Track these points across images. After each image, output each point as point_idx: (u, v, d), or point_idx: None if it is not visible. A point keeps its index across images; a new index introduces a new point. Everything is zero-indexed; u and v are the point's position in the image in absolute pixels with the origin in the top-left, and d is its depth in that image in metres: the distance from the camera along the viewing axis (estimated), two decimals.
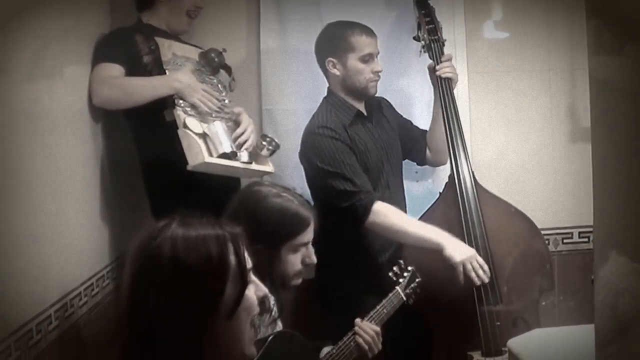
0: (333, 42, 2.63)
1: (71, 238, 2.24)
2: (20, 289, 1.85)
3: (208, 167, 2.41)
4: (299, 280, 2.00)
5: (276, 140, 2.58)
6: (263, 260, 1.85)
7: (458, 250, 2.39)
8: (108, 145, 2.62)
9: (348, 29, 2.63)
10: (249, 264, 1.24)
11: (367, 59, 2.61)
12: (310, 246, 2.00)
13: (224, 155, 2.44)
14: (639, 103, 1.10)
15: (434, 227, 2.45)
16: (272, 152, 2.58)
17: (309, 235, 1.98)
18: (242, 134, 2.53)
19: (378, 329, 2.10)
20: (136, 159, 2.62)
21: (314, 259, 2.00)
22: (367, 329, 2.08)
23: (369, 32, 2.63)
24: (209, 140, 2.44)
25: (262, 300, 1.26)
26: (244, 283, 1.21)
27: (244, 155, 2.49)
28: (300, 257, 1.96)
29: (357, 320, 2.09)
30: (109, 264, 2.56)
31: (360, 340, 2.05)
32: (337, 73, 2.62)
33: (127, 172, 2.66)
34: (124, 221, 2.66)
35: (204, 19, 2.88)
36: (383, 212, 2.47)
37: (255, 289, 1.25)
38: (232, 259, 1.20)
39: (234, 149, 2.47)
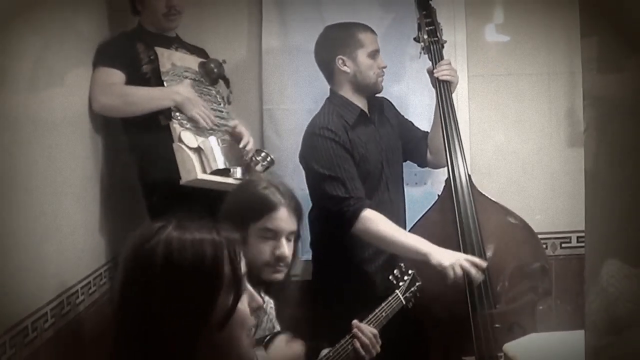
0: (341, 40, 2.64)
1: (70, 237, 2.25)
2: (17, 286, 1.86)
3: (201, 183, 2.43)
4: (277, 276, 1.93)
5: (271, 156, 2.59)
6: None
7: (445, 256, 2.38)
8: (107, 145, 2.63)
9: (353, 27, 2.66)
10: (243, 270, 1.20)
11: (374, 54, 2.64)
12: (283, 239, 1.93)
13: (217, 172, 2.45)
14: (630, 111, 1.11)
15: (420, 237, 2.43)
16: (266, 169, 2.59)
17: (276, 222, 1.91)
18: (247, 143, 2.55)
19: (376, 331, 2.08)
20: (134, 161, 2.63)
21: (285, 251, 1.92)
22: (366, 331, 2.06)
23: (372, 30, 2.67)
24: (203, 156, 2.45)
25: (257, 312, 1.22)
26: (238, 293, 1.17)
27: (237, 172, 2.50)
28: (270, 248, 1.91)
29: (355, 322, 2.08)
30: (107, 263, 2.57)
31: (358, 344, 2.03)
32: (348, 70, 2.63)
33: (125, 171, 2.67)
34: (123, 220, 2.66)
35: (205, 20, 2.89)
36: (371, 220, 2.46)
37: (250, 299, 1.20)
38: (227, 267, 1.16)
39: (228, 166, 2.49)
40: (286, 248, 1.92)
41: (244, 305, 1.19)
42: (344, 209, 2.47)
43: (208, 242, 1.17)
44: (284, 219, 1.93)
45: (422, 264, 2.38)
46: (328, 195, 2.49)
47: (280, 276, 1.93)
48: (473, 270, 2.36)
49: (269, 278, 1.90)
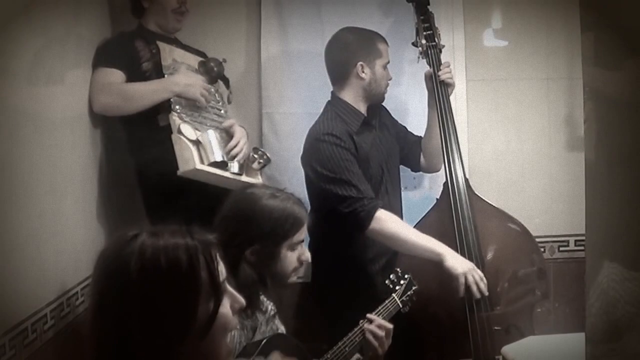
0: (363, 46, 2.63)
1: (69, 238, 2.24)
2: (16, 288, 1.85)
3: (198, 174, 2.43)
4: (295, 278, 2.04)
5: (267, 155, 2.60)
6: (263, 259, 1.92)
7: (459, 262, 2.39)
8: (107, 146, 2.63)
9: (374, 36, 2.66)
10: (223, 275, 1.17)
11: (386, 66, 2.65)
12: (303, 244, 2.03)
13: (215, 164, 2.45)
14: (630, 113, 1.12)
15: (434, 238, 2.44)
16: (263, 166, 2.59)
17: (304, 233, 2.02)
18: (235, 146, 2.53)
19: (390, 326, 2.10)
20: (133, 161, 2.63)
21: (309, 256, 2.03)
22: (379, 321, 2.09)
23: (387, 41, 2.68)
24: (201, 148, 2.45)
25: (240, 312, 1.19)
26: (217, 299, 1.13)
27: (234, 166, 2.50)
28: (297, 255, 2.00)
29: (370, 315, 2.09)
30: None
31: (370, 335, 2.06)
32: (365, 77, 2.62)
33: (125, 172, 2.67)
34: (122, 221, 2.66)
35: (205, 22, 2.90)
36: (385, 220, 2.47)
37: (232, 300, 1.17)
38: (204, 271, 1.13)
39: (225, 159, 2.49)
40: (308, 252, 2.04)
41: (225, 308, 1.16)
42: (357, 209, 2.46)
43: (182, 247, 1.13)
44: (306, 229, 2.03)
45: (418, 268, 2.38)
46: (340, 197, 2.48)
47: (296, 277, 2.05)
48: (475, 287, 2.37)
49: (293, 282, 2.03)
